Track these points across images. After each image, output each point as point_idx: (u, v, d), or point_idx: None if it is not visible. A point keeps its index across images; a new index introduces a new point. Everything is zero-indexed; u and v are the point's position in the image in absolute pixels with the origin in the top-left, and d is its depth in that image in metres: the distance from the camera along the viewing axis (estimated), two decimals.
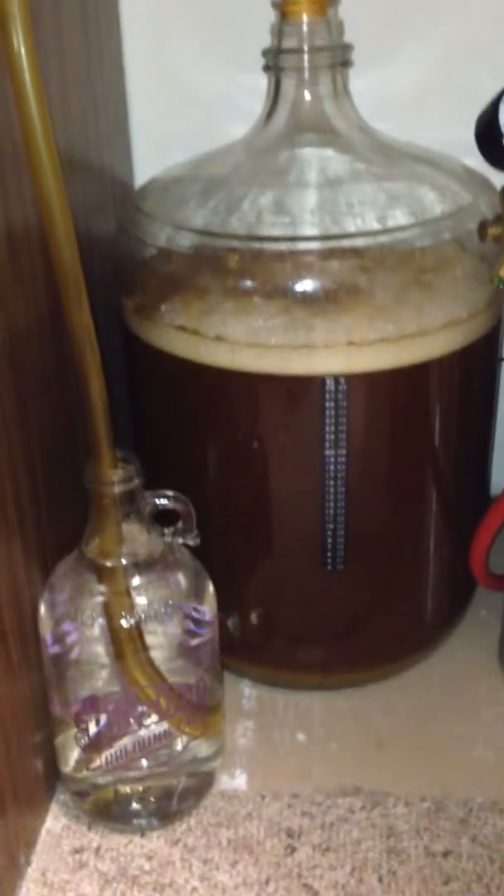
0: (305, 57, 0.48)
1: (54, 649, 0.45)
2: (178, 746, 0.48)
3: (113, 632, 0.44)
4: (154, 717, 0.46)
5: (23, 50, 0.34)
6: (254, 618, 0.55)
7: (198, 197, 0.49)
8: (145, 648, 0.45)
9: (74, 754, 0.48)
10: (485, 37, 0.57)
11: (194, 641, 0.47)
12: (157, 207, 0.50)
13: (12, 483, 0.43)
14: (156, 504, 0.46)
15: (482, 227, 0.46)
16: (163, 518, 0.47)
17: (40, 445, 0.46)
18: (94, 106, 0.55)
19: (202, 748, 0.49)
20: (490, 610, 0.61)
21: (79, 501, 0.46)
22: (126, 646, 0.44)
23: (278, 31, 0.48)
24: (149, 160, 0.62)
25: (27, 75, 0.35)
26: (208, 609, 0.47)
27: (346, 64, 0.49)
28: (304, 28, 0.47)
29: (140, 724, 0.46)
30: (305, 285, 0.46)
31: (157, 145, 0.62)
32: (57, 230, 0.37)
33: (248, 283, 0.46)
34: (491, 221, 0.45)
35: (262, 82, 0.51)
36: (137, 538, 0.45)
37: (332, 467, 0.49)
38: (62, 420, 0.49)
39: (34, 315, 0.45)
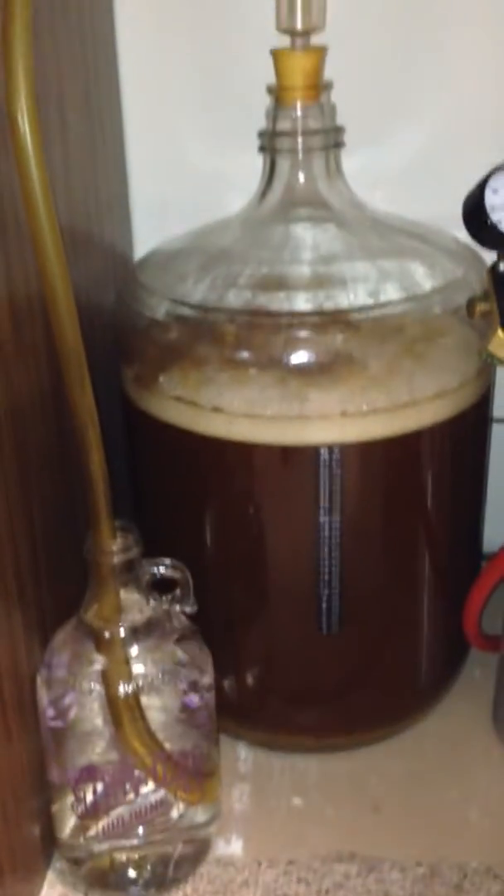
0: (299, 139, 0.50)
1: (52, 718, 0.46)
2: (175, 814, 0.48)
3: (111, 700, 0.45)
4: (151, 786, 0.47)
5: (27, 128, 0.36)
6: (250, 681, 0.55)
7: (196, 272, 0.51)
8: (143, 717, 0.46)
9: (71, 822, 0.48)
10: (474, 116, 0.59)
11: (192, 708, 0.47)
12: (156, 281, 0.52)
13: (13, 554, 0.44)
14: (154, 572, 0.46)
15: (471, 304, 0.47)
16: (161, 585, 0.47)
17: (41, 516, 0.47)
18: (95, 180, 0.57)
19: (199, 814, 0.50)
20: (484, 670, 0.62)
21: (78, 569, 0.47)
22: (124, 714, 0.45)
23: (273, 115, 0.50)
24: (148, 230, 0.64)
25: (31, 153, 0.36)
26: (206, 676, 0.48)
27: (338, 145, 0.51)
28: (298, 112, 0.49)
29: (137, 793, 0.46)
30: (300, 357, 0.47)
31: (155, 216, 0.64)
32: (60, 313, 0.39)
33: (245, 354, 0.48)
34: (479, 298, 0.47)
35: (257, 160, 0.52)
36: (136, 606, 0.46)
37: (326, 533, 0.50)
38: (63, 490, 0.50)
39: (36, 386, 0.47)
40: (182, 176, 0.63)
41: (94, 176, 0.56)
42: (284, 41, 0.49)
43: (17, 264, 0.43)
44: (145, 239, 0.64)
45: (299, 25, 0.47)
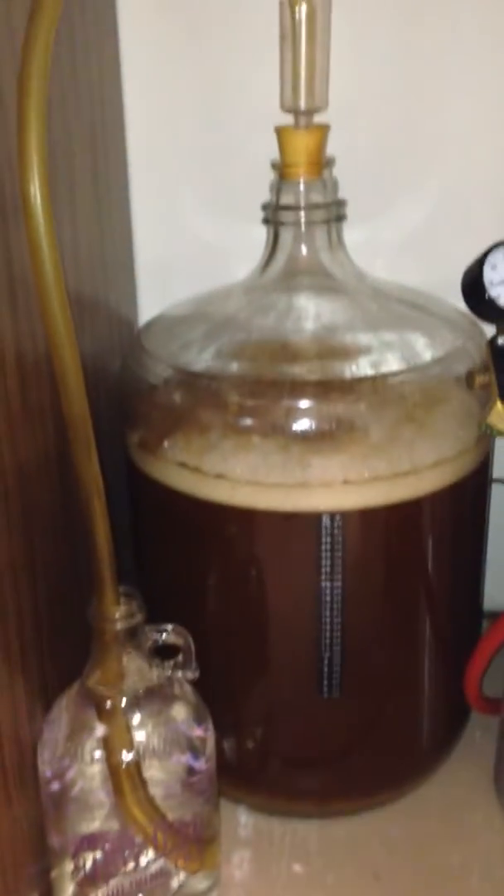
0: (302, 213, 0.51)
1: (53, 785, 0.46)
2: (175, 883, 0.48)
3: (112, 769, 0.45)
4: (151, 855, 0.46)
5: (38, 197, 0.37)
6: (251, 744, 0.55)
7: (201, 339, 0.52)
8: (144, 785, 0.46)
9: (70, 889, 0.48)
10: (473, 189, 0.61)
11: (193, 776, 0.47)
12: (161, 348, 0.53)
13: (17, 619, 0.44)
14: (156, 638, 0.47)
15: (470, 376, 0.48)
16: (163, 650, 0.48)
17: (44, 579, 0.47)
18: (102, 248, 0.58)
19: (198, 882, 0.49)
20: (485, 732, 0.62)
21: (80, 633, 0.47)
22: (125, 783, 0.45)
23: (277, 189, 0.51)
24: (152, 295, 0.65)
25: (41, 221, 0.37)
26: (208, 743, 0.48)
27: (340, 219, 0.52)
28: (301, 187, 0.51)
29: (137, 862, 0.46)
30: (302, 425, 0.48)
31: (159, 281, 0.65)
32: (69, 385, 0.40)
33: (248, 422, 0.48)
34: (478, 370, 0.48)
35: (259, 230, 0.54)
36: (138, 672, 0.46)
37: (328, 598, 0.50)
38: (66, 553, 0.50)
39: (42, 448, 0.47)
40: (186, 244, 0.64)
41: (101, 244, 0.58)
42: (288, 118, 0.50)
43: (25, 326, 0.43)
44: (149, 304, 0.65)
45: (303, 106, 0.49)
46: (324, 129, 0.50)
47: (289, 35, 0.47)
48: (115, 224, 0.61)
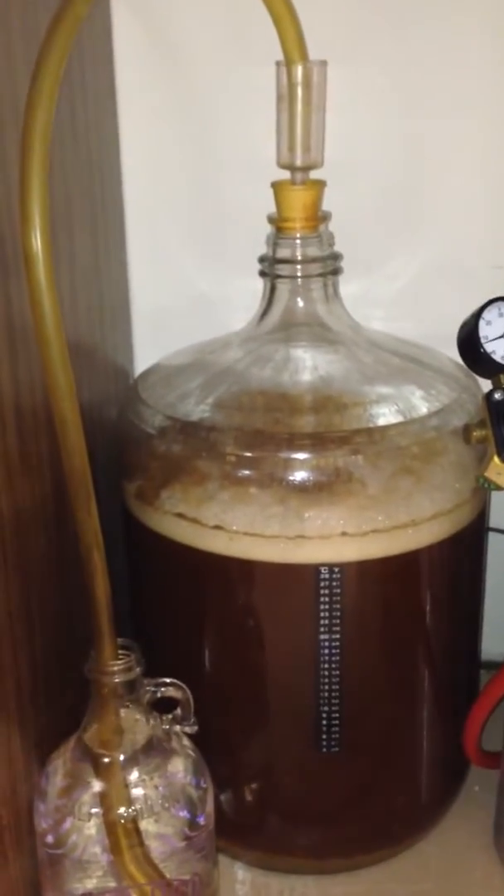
0: (298, 267, 0.52)
1: (49, 842, 0.45)
2: None
3: (109, 826, 0.44)
4: None
5: (39, 249, 0.38)
6: (248, 800, 0.55)
7: (198, 390, 0.52)
8: (141, 843, 0.45)
9: None
10: (467, 244, 0.62)
11: (192, 832, 0.47)
12: (158, 399, 0.53)
13: (13, 672, 0.44)
14: (154, 692, 0.46)
15: (467, 431, 0.48)
16: (161, 704, 0.47)
17: (42, 633, 0.47)
18: (100, 299, 0.58)
19: None
20: (483, 786, 0.61)
21: (77, 685, 0.46)
22: (122, 840, 0.44)
23: (273, 243, 0.52)
24: (149, 344, 0.66)
25: (42, 272, 0.38)
26: (206, 799, 0.47)
27: (336, 272, 0.53)
28: (297, 241, 0.51)
29: None
30: (299, 477, 0.48)
31: (156, 330, 0.66)
32: (69, 441, 0.40)
33: (246, 473, 0.49)
34: (475, 425, 0.48)
35: (255, 281, 0.54)
36: (136, 726, 0.46)
37: (326, 651, 0.50)
38: (63, 604, 0.50)
39: (39, 498, 0.47)
40: (182, 295, 0.65)
41: (98, 295, 0.58)
42: (285, 173, 0.51)
43: (25, 377, 0.44)
44: (146, 354, 0.65)
45: (299, 162, 0.49)
46: (320, 185, 0.51)
47: (285, 95, 0.48)
48: (113, 275, 0.61)
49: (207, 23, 0.59)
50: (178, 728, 0.47)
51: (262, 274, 0.53)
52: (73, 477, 0.41)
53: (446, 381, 0.53)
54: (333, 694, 0.51)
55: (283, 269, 0.52)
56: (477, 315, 0.47)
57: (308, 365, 0.53)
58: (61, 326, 0.39)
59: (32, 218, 0.37)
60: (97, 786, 0.45)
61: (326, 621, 0.49)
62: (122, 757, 0.45)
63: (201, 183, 0.63)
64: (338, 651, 0.50)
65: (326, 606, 0.49)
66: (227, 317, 0.60)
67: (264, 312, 0.54)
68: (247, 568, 0.49)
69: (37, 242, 0.38)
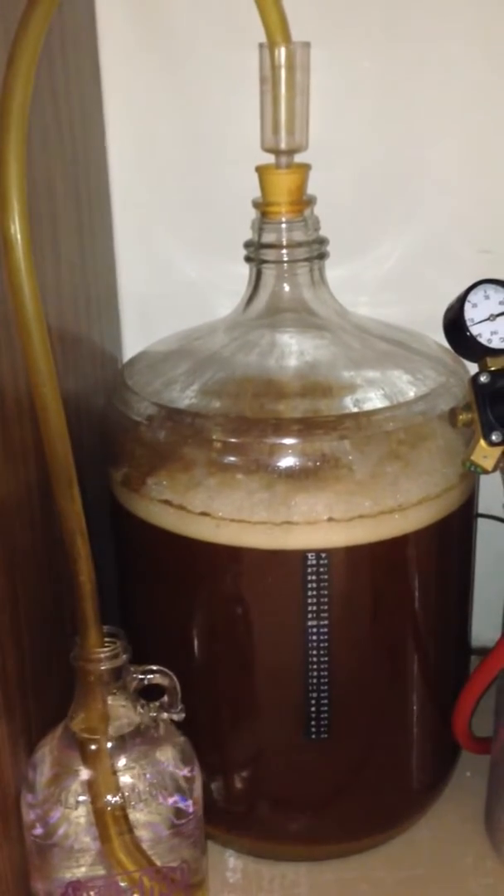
0: (284, 251, 0.51)
1: (37, 830, 0.45)
2: None
3: (97, 813, 0.44)
4: None
5: (18, 234, 0.37)
6: (238, 787, 0.55)
7: (184, 377, 0.52)
8: (130, 829, 0.45)
9: None
10: (453, 226, 0.62)
11: (180, 819, 0.47)
12: (145, 387, 0.53)
13: (0, 662, 0.44)
14: (141, 679, 0.46)
15: (453, 414, 0.48)
16: (148, 691, 0.47)
17: (27, 620, 0.47)
18: (86, 286, 0.58)
19: None
20: (474, 771, 0.61)
21: (64, 674, 0.46)
22: (110, 827, 0.44)
23: (259, 228, 0.51)
24: (136, 331, 0.65)
25: (21, 258, 0.38)
26: (194, 786, 0.47)
27: (322, 256, 0.52)
28: (283, 226, 0.51)
29: None
30: (286, 463, 0.48)
31: (143, 317, 0.65)
32: (51, 428, 0.40)
33: (232, 459, 0.48)
34: (461, 408, 0.48)
35: (241, 267, 0.54)
36: (123, 713, 0.46)
37: (314, 638, 0.50)
38: (49, 593, 0.50)
39: (24, 485, 0.47)
40: (169, 281, 0.64)
41: (84, 282, 0.58)
42: (270, 156, 0.50)
43: (7, 364, 0.43)
44: (133, 341, 0.65)
45: (283, 146, 0.49)
46: (305, 169, 0.50)
47: (269, 77, 0.48)
48: (99, 262, 0.61)
49: (194, 3, 0.58)
50: (165, 715, 0.47)
51: (248, 259, 0.53)
52: (56, 463, 0.41)
53: (433, 366, 0.53)
54: (322, 680, 0.50)
55: (268, 255, 0.52)
56: (462, 298, 0.46)
57: (294, 350, 0.53)
58: (42, 312, 0.39)
59: (10, 202, 0.37)
60: (85, 774, 0.45)
61: (314, 607, 0.49)
62: (109, 744, 0.45)
63: (188, 168, 0.62)
64: (326, 637, 0.50)
65: (314, 592, 0.49)
66: (215, 304, 0.60)
67: (250, 298, 0.54)
68: (234, 554, 0.49)
69: (15, 227, 0.38)
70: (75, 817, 0.45)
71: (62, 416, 0.40)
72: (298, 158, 0.50)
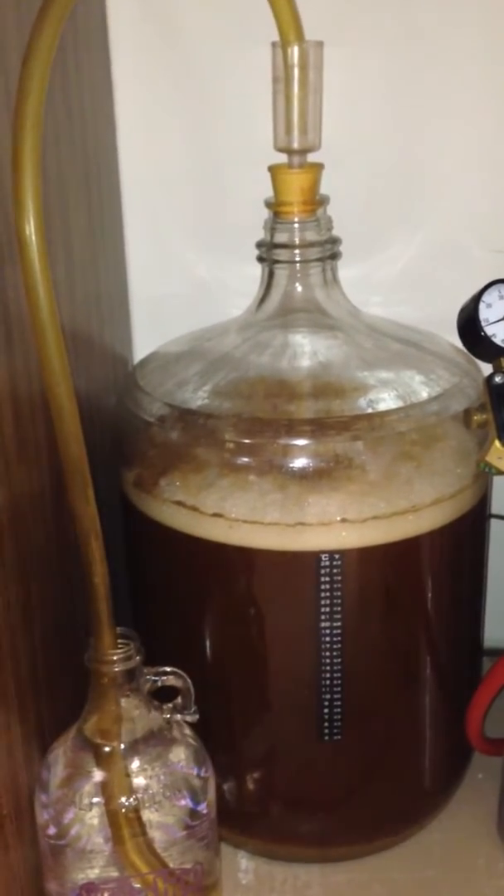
0: (297, 251, 0.51)
1: (50, 832, 0.45)
2: None
3: (111, 815, 0.44)
4: None
5: (33, 235, 0.37)
6: (251, 789, 0.54)
7: (196, 378, 0.52)
8: (144, 831, 0.45)
9: None
10: (466, 226, 0.61)
11: (194, 821, 0.47)
12: (157, 388, 0.52)
13: (12, 662, 0.43)
14: (155, 681, 0.46)
15: (467, 415, 0.48)
16: (161, 693, 0.47)
17: (41, 622, 0.47)
18: (97, 285, 0.58)
19: None
20: (487, 773, 0.61)
21: (77, 675, 0.46)
22: (124, 829, 0.44)
23: (271, 228, 0.51)
24: (147, 331, 0.65)
25: (36, 258, 0.37)
26: (208, 787, 0.47)
27: (335, 256, 0.52)
28: (296, 226, 0.51)
29: None
30: (299, 464, 0.48)
31: (155, 318, 0.65)
32: (65, 429, 0.39)
33: (245, 460, 0.48)
34: (476, 409, 0.48)
35: (253, 267, 0.54)
36: (136, 715, 0.46)
37: (327, 639, 0.50)
38: (62, 594, 0.50)
39: (38, 485, 0.47)
40: (180, 281, 0.64)
41: (96, 282, 0.58)
42: (283, 156, 0.50)
43: (21, 364, 0.43)
44: (144, 341, 0.65)
45: (296, 145, 0.49)
46: (317, 168, 0.50)
47: (281, 77, 0.48)
48: (110, 262, 0.61)
49: (206, 2, 0.58)
50: (178, 717, 0.47)
51: (261, 259, 0.53)
52: (70, 464, 0.40)
53: (446, 366, 0.52)
54: (335, 682, 0.50)
55: (280, 255, 0.52)
56: (477, 298, 0.46)
57: (307, 351, 0.52)
58: (56, 312, 0.39)
59: (25, 203, 0.37)
60: (98, 775, 0.45)
61: (327, 609, 0.49)
62: (122, 746, 0.45)
63: (199, 167, 0.62)
64: (339, 639, 0.50)
65: (327, 594, 0.49)
66: (227, 304, 0.60)
67: (262, 298, 0.54)
68: (246, 555, 0.49)
69: (30, 227, 0.37)
70: (88, 818, 0.45)
71: (77, 416, 0.40)
72: (311, 158, 0.50)
